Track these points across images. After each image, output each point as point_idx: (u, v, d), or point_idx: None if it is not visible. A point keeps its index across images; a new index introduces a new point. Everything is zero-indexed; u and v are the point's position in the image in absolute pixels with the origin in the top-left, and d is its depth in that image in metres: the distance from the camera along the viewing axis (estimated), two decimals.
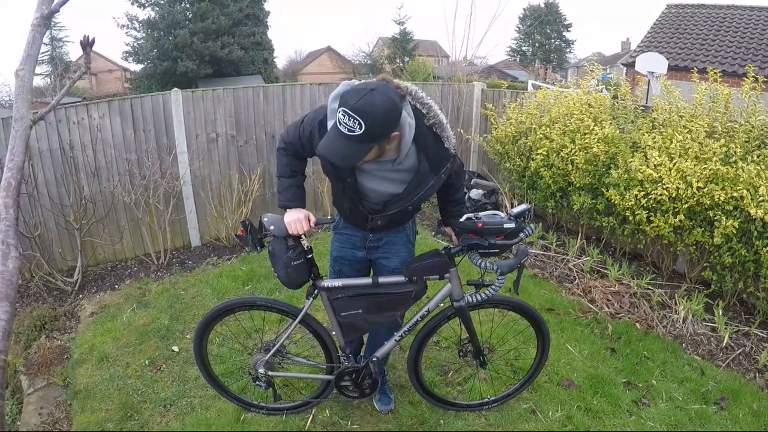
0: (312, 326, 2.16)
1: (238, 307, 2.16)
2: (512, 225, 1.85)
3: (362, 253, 2.12)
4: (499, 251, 1.91)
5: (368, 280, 2.01)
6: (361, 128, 1.50)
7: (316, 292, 2.05)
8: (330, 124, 1.69)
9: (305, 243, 1.96)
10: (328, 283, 2.02)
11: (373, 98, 1.51)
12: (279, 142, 1.98)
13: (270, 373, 2.20)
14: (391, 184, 1.85)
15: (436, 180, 1.83)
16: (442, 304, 2.11)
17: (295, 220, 1.87)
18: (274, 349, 2.16)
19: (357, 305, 2.00)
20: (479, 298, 2.01)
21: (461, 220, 1.91)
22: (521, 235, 1.88)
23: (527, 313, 2.21)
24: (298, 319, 2.09)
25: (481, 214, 1.90)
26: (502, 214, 1.90)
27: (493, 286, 1.97)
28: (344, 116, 1.52)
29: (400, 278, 1.98)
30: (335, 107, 1.63)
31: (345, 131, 1.53)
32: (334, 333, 2.17)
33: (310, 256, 1.97)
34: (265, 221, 1.93)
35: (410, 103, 1.70)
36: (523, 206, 1.91)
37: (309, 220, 1.89)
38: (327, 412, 2.42)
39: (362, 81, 1.69)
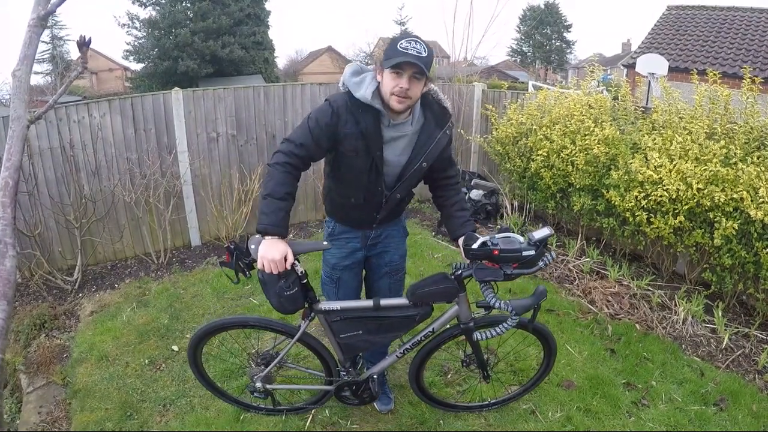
0: (310, 343, 2.10)
1: (230, 326, 2.12)
2: (531, 252, 1.67)
3: (362, 253, 2.10)
4: (514, 278, 1.74)
5: (369, 303, 1.89)
6: (425, 51, 1.68)
7: (312, 314, 1.94)
8: (362, 91, 1.76)
9: (299, 269, 1.80)
10: (326, 306, 1.92)
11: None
12: (278, 156, 1.77)
13: (268, 386, 2.16)
14: (407, 149, 1.89)
15: (443, 135, 1.89)
16: (448, 325, 2.04)
17: (270, 260, 1.65)
18: (271, 366, 2.11)
19: (357, 327, 1.92)
20: (488, 335, 1.91)
21: (475, 246, 1.74)
22: (540, 263, 1.71)
23: (537, 331, 2.13)
24: (294, 340, 2.02)
25: (497, 238, 1.73)
26: (521, 239, 1.73)
27: (504, 325, 1.86)
28: (410, 43, 1.67)
29: (404, 301, 1.89)
30: (357, 80, 1.79)
31: (415, 53, 1.66)
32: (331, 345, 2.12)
33: (304, 281, 1.84)
34: (252, 249, 1.75)
35: None
36: (546, 231, 1.72)
37: (285, 260, 1.68)
38: (327, 412, 2.42)
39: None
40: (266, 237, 1.70)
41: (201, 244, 4.57)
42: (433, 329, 2.02)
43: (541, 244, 1.71)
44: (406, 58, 1.65)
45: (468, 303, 1.93)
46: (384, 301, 1.90)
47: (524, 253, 1.68)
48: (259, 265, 1.69)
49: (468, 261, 1.83)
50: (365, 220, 2.02)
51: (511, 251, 1.69)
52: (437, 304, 1.92)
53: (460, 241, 1.89)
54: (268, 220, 1.70)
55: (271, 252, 1.66)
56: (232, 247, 1.80)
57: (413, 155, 1.88)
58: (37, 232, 3.67)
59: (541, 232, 1.72)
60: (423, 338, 2.04)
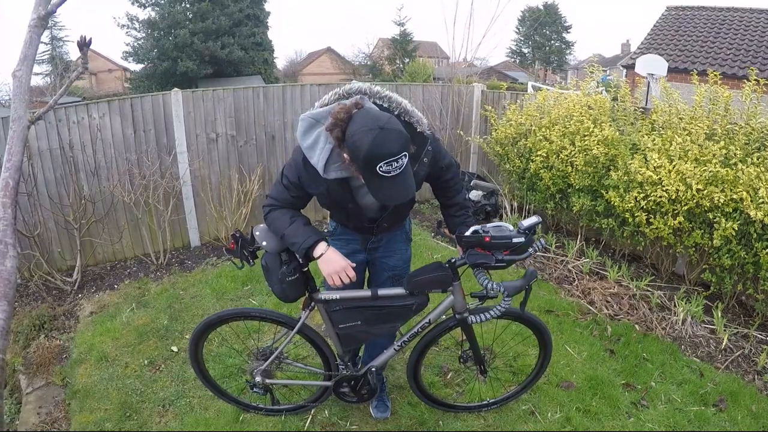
0: (309, 336, 2.12)
1: (232, 318, 2.13)
2: (521, 239, 1.74)
3: (363, 255, 2.10)
4: (505, 266, 1.80)
5: (367, 293, 1.93)
6: (406, 157, 1.50)
7: (312, 304, 1.99)
8: (315, 159, 1.64)
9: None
10: (325, 295, 1.96)
11: (391, 132, 1.48)
12: (266, 209, 1.85)
13: (267, 381, 2.18)
14: None
15: (419, 166, 1.75)
16: (443, 316, 2.07)
17: (337, 272, 1.76)
18: (271, 358, 2.13)
19: (356, 317, 1.94)
20: (482, 318, 1.95)
21: (467, 233, 1.81)
22: (530, 250, 1.79)
23: (530, 322, 2.16)
24: (294, 331, 2.05)
25: (488, 226, 1.80)
26: (511, 227, 1.79)
27: (497, 307, 1.90)
28: (388, 165, 1.47)
29: (401, 291, 1.92)
30: (310, 143, 1.64)
31: (398, 171, 1.50)
32: (330, 339, 2.14)
33: (306, 269, 1.90)
34: (257, 235, 1.84)
35: (371, 102, 1.67)
36: (534, 219, 1.80)
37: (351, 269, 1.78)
38: (326, 412, 2.42)
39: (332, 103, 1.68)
40: (316, 257, 1.77)
41: (200, 245, 4.57)
42: (429, 320, 2.05)
43: (530, 232, 1.77)
44: (391, 183, 1.51)
45: (463, 293, 1.97)
46: (382, 291, 1.93)
47: (514, 240, 1.74)
48: (330, 283, 1.78)
49: (462, 253, 1.89)
50: (363, 231, 2.04)
51: (501, 238, 1.75)
52: (433, 293, 1.96)
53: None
54: (300, 238, 1.76)
55: (332, 265, 1.76)
56: (237, 235, 1.87)
57: None
58: (37, 233, 3.67)
59: (530, 220, 1.79)
60: (420, 329, 2.07)
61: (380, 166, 1.47)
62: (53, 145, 3.75)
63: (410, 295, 1.91)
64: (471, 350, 2.19)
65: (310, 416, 2.38)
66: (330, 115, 1.57)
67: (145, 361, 2.85)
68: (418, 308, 1.94)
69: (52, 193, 3.78)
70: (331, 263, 1.76)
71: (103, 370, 2.78)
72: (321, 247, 1.77)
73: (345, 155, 1.58)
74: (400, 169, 1.49)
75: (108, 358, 2.89)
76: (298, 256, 1.81)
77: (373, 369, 2.14)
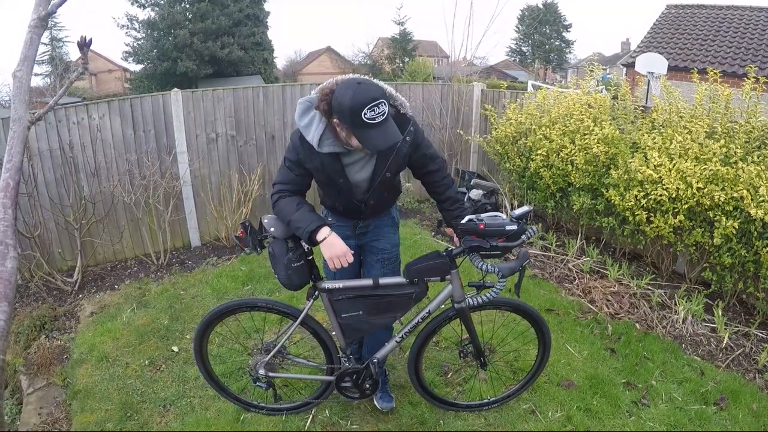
0: (312, 327, 2.16)
1: (238, 308, 2.17)
2: (514, 227, 1.85)
3: (353, 241, 2.18)
4: (500, 253, 1.90)
5: (369, 282, 2.00)
6: (386, 105, 1.67)
7: (316, 293, 2.05)
8: (310, 136, 1.81)
9: (306, 244, 1.95)
10: (328, 284, 2.03)
11: (368, 85, 1.69)
12: (274, 197, 1.96)
13: (270, 374, 2.20)
14: (369, 166, 1.96)
15: (402, 143, 1.89)
16: (443, 306, 2.11)
17: (338, 257, 1.85)
18: (275, 350, 2.17)
19: (358, 307, 2.01)
20: (480, 300, 2.02)
21: (463, 222, 1.91)
22: (523, 237, 1.88)
23: (528, 314, 2.21)
24: (298, 321, 2.09)
25: (482, 215, 1.90)
26: (504, 216, 1.90)
27: (494, 289, 1.98)
28: (371, 110, 1.64)
29: (401, 279, 1.99)
30: (306, 122, 1.83)
31: (382, 118, 1.67)
32: (334, 334, 2.17)
33: (310, 257, 1.97)
34: (265, 222, 1.93)
35: None
36: (525, 208, 1.92)
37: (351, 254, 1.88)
38: (327, 412, 2.42)
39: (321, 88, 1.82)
40: (319, 241, 1.85)
41: (201, 245, 4.57)
42: (429, 311, 2.10)
43: (523, 220, 1.88)
44: (378, 131, 1.67)
45: (460, 281, 2.04)
46: (383, 280, 2.00)
47: (507, 228, 1.86)
48: (330, 266, 1.87)
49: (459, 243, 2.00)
50: (352, 215, 2.13)
51: (495, 225, 1.86)
52: (431, 282, 2.01)
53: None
54: (305, 223, 1.85)
55: (333, 250, 1.85)
56: (246, 224, 1.97)
57: (376, 169, 1.96)
58: (37, 234, 3.67)
59: (521, 210, 1.91)
60: (420, 320, 2.12)
61: (365, 113, 1.63)
62: (53, 146, 3.75)
63: (410, 284, 1.98)
64: (470, 343, 2.22)
65: (311, 416, 2.38)
66: (318, 96, 1.79)
67: (146, 362, 2.86)
68: (418, 297, 2.01)
69: (52, 193, 3.78)
70: (333, 248, 1.85)
71: (104, 371, 2.79)
72: (324, 232, 1.86)
73: (335, 120, 1.75)
74: (383, 115, 1.66)
75: (109, 359, 2.89)
76: (302, 240, 1.89)
77: (375, 360, 2.17)
